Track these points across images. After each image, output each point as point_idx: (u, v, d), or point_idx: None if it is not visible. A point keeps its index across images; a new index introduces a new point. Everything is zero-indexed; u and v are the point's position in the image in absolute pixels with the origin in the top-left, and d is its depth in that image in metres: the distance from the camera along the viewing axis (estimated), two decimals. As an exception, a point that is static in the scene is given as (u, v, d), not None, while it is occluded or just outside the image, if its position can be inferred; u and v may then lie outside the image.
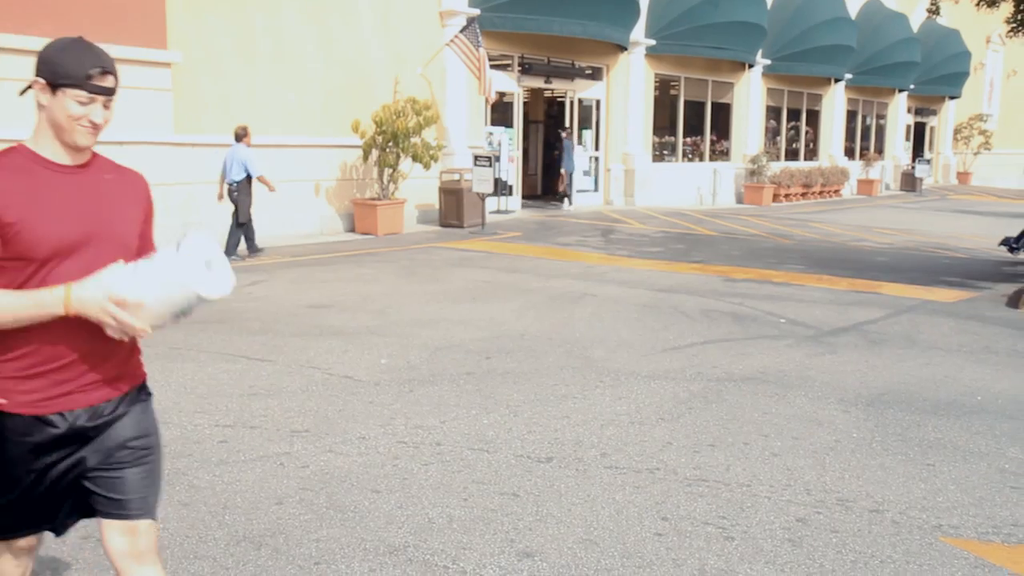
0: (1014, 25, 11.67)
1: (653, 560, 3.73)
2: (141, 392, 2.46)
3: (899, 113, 34.32)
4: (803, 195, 26.97)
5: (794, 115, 29.01)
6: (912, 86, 32.60)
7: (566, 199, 20.35)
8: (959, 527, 4.15)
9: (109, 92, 2.27)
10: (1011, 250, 13.56)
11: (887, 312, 9.35)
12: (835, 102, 29.95)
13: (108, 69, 2.26)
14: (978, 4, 12.23)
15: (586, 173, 21.44)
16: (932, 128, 37.80)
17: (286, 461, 4.72)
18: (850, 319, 8.91)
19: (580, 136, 21.22)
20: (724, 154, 25.64)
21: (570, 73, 20.54)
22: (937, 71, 33.30)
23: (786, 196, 26.00)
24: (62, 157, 2.27)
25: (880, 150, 33.53)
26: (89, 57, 2.23)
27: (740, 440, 5.23)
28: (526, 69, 19.42)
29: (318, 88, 14.96)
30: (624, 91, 21.67)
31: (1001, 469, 4.90)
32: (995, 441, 5.36)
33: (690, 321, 8.59)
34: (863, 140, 33.01)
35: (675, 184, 23.25)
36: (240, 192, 12.07)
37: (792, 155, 28.98)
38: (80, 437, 2.31)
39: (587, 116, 21.54)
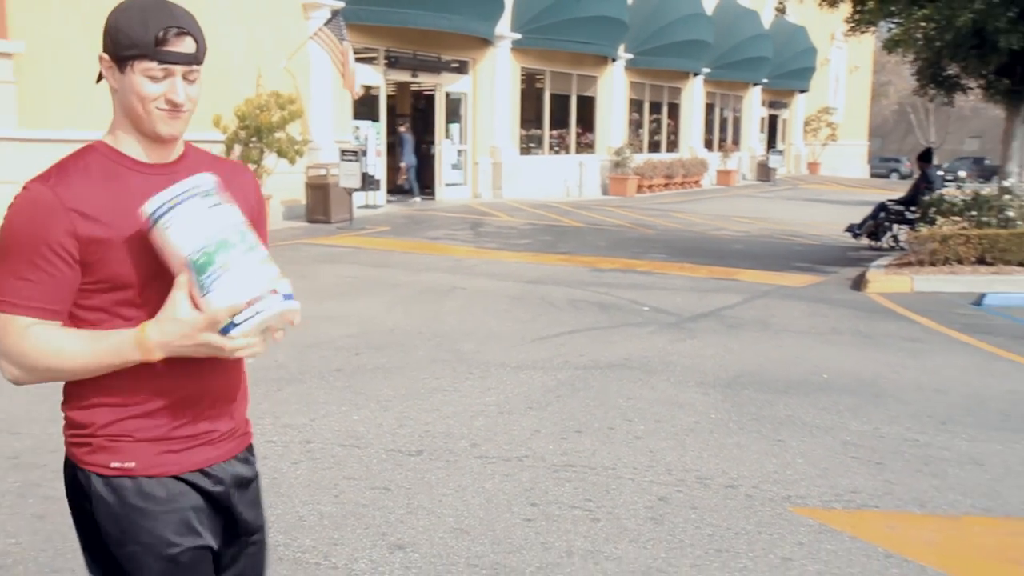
0: (852, 24, 12.38)
1: (522, 545, 3.84)
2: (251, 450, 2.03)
3: (754, 106, 35.76)
4: (665, 186, 27.78)
5: (656, 108, 29.84)
6: (765, 80, 34.00)
7: (415, 192, 20.28)
8: (806, 497, 4.43)
9: (190, 60, 1.73)
10: (855, 236, 14.40)
11: (744, 297, 9.79)
12: (694, 95, 30.95)
13: (185, 28, 1.71)
14: (820, 3, 12.90)
15: (455, 167, 21.51)
16: (784, 120, 39.54)
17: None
18: (709, 305, 9.29)
19: (447, 130, 21.27)
20: (590, 146, 26.15)
21: (436, 67, 20.55)
22: (787, 66, 34.85)
23: (649, 187, 26.73)
24: (148, 154, 1.79)
25: (737, 142, 34.87)
26: (157, 15, 1.69)
27: (606, 425, 5.41)
28: (392, 63, 19.33)
29: (175, 82, 14.47)
30: (491, 85, 21.83)
31: (844, 441, 5.24)
32: (839, 416, 5.71)
33: (558, 311, 8.78)
34: (721, 132, 34.25)
35: (542, 177, 23.58)
36: None
37: (655, 147, 29.81)
38: (214, 500, 1.87)
39: (455, 110, 21.60)
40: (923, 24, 11.09)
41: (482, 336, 7.66)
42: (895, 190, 20.59)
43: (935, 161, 14.92)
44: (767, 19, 33.64)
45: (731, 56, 30.65)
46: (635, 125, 28.62)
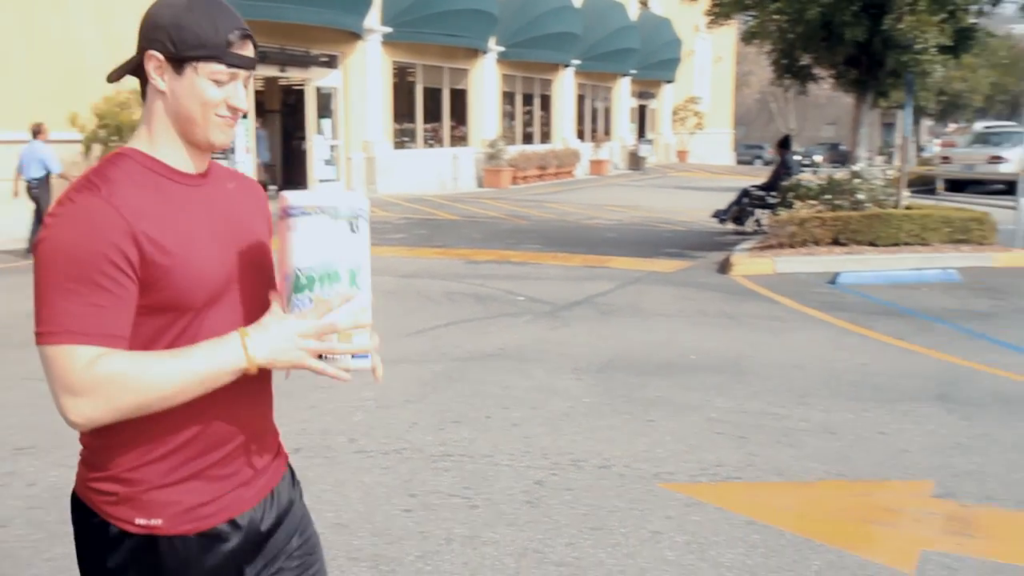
0: (712, 17, 12.85)
1: (402, 535, 3.90)
2: (289, 469, 1.90)
3: (623, 97, 36.56)
4: (540, 177, 28.14)
5: (528, 100, 30.17)
6: (633, 71, 34.81)
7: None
8: (674, 473, 4.63)
9: (253, 64, 1.64)
10: (721, 221, 14.95)
11: (616, 284, 10.06)
12: (565, 87, 31.43)
13: (248, 32, 1.61)
14: (682, -3, 13.36)
15: (328, 162, 21.25)
16: (653, 110, 40.56)
17: (10, 481, 4.46)
18: (583, 293, 9.51)
19: (319, 125, 20.99)
20: (463, 139, 26.25)
21: (305, 61, 20.25)
22: (654, 57, 35.77)
23: (524, 178, 27.02)
24: (186, 163, 1.63)
25: (608, 132, 35.59)
26: (225, 16, 1.58)
27: (482, 414, 5.51)
28: (260, 57, 18.89)
29: (24, 79, 13.85)
30: (362, 79, 21.65)
31: (709, 418, 5.48)
32: (705, 394, 5.97)
33: (434, 305, 8.84)
34: (592, 123, 34.90)
35: (417, 171, 23.54)
36: (40, 189, 11.95)
37: (528, 139, 30.14)
38: (254, 545, 1.71)
39: (326, 104, 21.33)
40: (776, 17, 11.61)
41: (359, 332, 7.65)
42: (758, 176, 21.43)
43: (793, 147, 15.61)
44: (633, 11, 34.43)
45: (600, 48, 31.25)
46: (508, 117, 28.87)
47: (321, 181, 20.83)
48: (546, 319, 8.25)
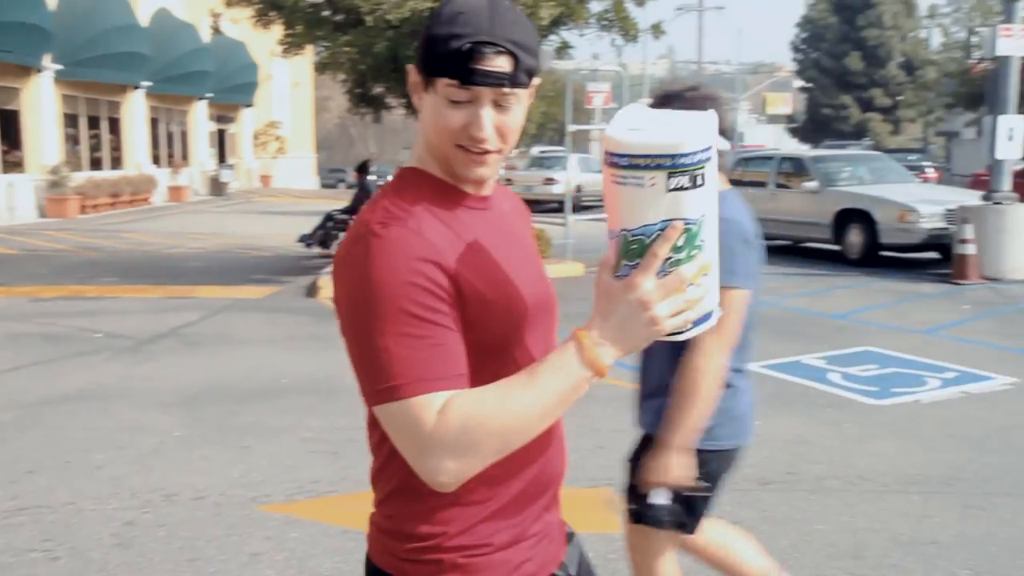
0: (285, 46, 13.04)
1: (-26, 600, 3.59)
2: None
3: (200, 121, 35.44)
4: (112, 205, 26.39)
5: (94, 123, 28.14)
6: (210, 95, 33.89)
7: None
8: (271, 495, 4.73)
9: (501, 82, 1.32)
10: (307, 245, 15.16)
11: (203, 314, 9.85)
12: (135, 110, 29.78)
13: (502, 45, 1.31)
14: (255, 24, 13.35)
15: None
16: (233, 135, 39.79)
17: None
18: (167, 325, 9.19)
19: None
20: (19, 165, 23.82)
21: None
22: (231, 80, 35.14)
23: (94, 207, 25.17)
24: (467, 186, 1.44)
25: (186, 157, 34.28)
26: (471, 24, 1.31)
27: (62, 461, 5.18)
28: None
29: None
30: None
31: (304, 439, 5.65)
32: (298, 416, 6.13)
33: (-4, 349, 8.05)
34: (169, 147, 33.40)
35: (-36, 201, 20.98)
36: None
37: (96, 164, 28.10)
38: None
39: None
40: (347, 49, 12.07)
41: (-97, 386, 6.76)
42: (342, 199, 21.97)
43: (372, 171, 16.26)
44: (205, 34, 33.58)
45: (172, 70, 30.05)
46: (72, 141, 26.71)
47: None
48: (128, 355, 7.87)
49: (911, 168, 22.64)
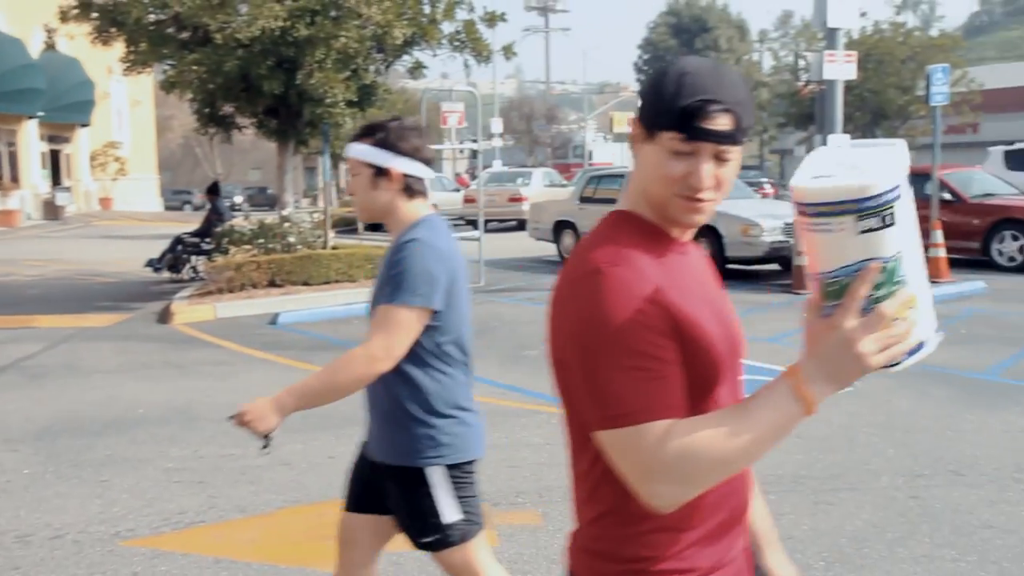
0: (128, 64, 12.57)
1: None
2: None
3: (31, 141, 33.61)
4: (-64, 231, 24.69)
5: (-88, 144, 26.27)
6: (41, 113, 32.17)
7: None
8: (135, 529, 4.56)
9: (723, 139, 1.42)
10: (156, 270, 14.63)
11: (45, 345, 9.36)
12: (-41, 130, 27.99)
13: (727, 105, 1.41)
14: (93, 41, 12.82)
15: None
16: (68, 155, 37.91)
17: None
18: (7, 357, 8.70)
19: None
20: None
21: None
22: (65, 99, 33.49)
23: (-85, 234, 23.49)
24: (673, 230, 1.53)
25: (16, 179, 32.41)
26: (698, 85, 1.40)
27: (-102, 506, 4.84)
28: None
29: None
30: None
31: (166, 469, 5.47)
32: (159, 446, 5.93)
33: None
34: (-3, 169, 31.52)
35: None
36: None
37: (-84, 188, 26.23)
38: None
39: None
40: (195, 68, 11.77)
41: None
42: (190, 222, 21.26)
43: (223, 192, 15.86)
44: (35, 49, 31.91)
45: (-1, 87, 28.42)
46: None
47: None
48: (-35, 390, 7.41)
49: (750, 184, 23.86)
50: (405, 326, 2.51)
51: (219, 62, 11.62)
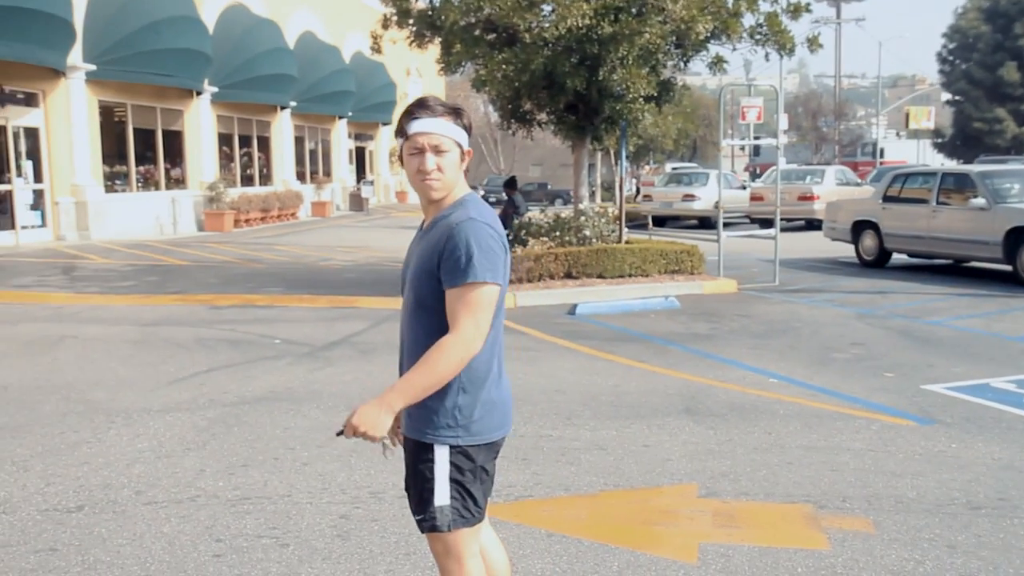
0: (443, 65, 13.40)
1: (219, 581, 3.82)
2: None
3: (341, 138, 36.68)
4: (263, 219, 27.56)
5: (246, 141, 29.50)
6: (350, 113, 35.06)
7: None
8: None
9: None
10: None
11: (369, 323, 10.18)
12: (283, 128, 31.06)
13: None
14: (410, 45, 13.79)
15: (32, 207, 19.62)
16: (371, 152, 40.99)
17: None
18: (338, 333, 9.55)
19: (19, 168, 19.35)
20: (181, 182, 25.18)
21: (1, 99, 18.64)
22: (369, 100, 36.25)
23: (247, 221, 26.36)
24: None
25: (328, 173, 35.51)
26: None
27: (270, 456, 5.46)
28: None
29: None
30: (66, 118, 20.24)
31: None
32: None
33: (188, 352, 8.52)
34: (312, 164, 34.68)
35: (132, 215, 22.30)
36: None
37: (248, 180, 29.43)
38: None
39: (28, 145, 19.71)
40: (504, 67, 12.31)
41: (113, 384, 7.24)
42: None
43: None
44: (348, 54, 34.76)
45: (316, 90, 31.23)
46: (226, 159, 28.07)
47: (24, 228, 19.19)
48: (308, 360, 8.22)
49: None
50: (486, 302, 2.53)
51: (526, 60, 12.07)
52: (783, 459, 5.45)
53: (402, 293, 2.77)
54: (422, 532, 2.70)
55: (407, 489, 2.75)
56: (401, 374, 2.73)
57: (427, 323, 2.61)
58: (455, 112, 2.64)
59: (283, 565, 3.97)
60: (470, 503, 2.66)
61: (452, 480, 2.62)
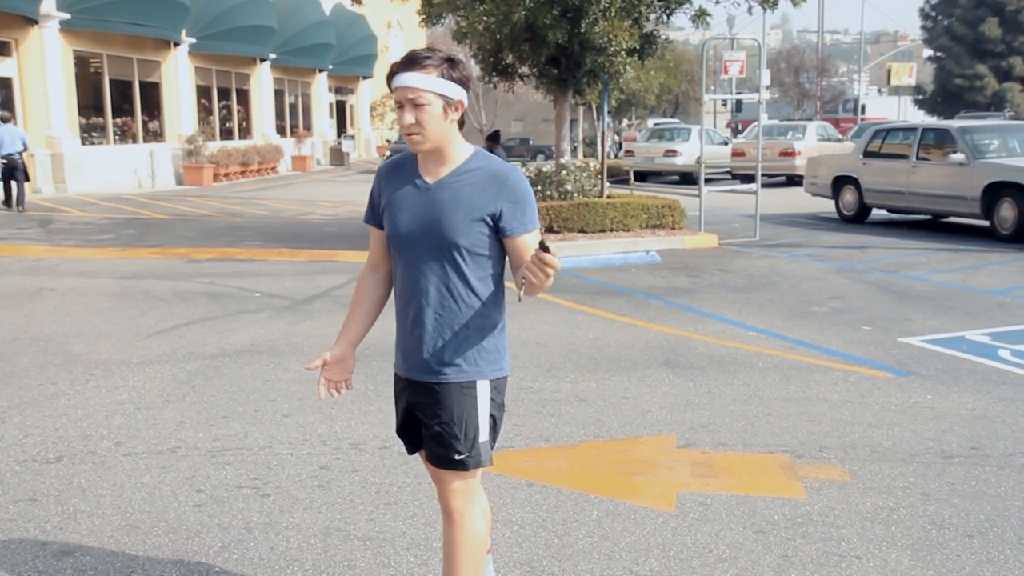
0: (423, 17, 13.24)
1: (199, 529, 3.84)
2: None
3: (322, 92, 36.29)
4: (242, 173, 27.32)
5: (225, 94, 29.13)
6: (330, 66, 34.66)
7: None
8: (453, 447, 4.87)
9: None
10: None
11: (349, 277, 10.15)
12: (262, 81, 30.68)
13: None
14: (392, -5, 13.63)
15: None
16: (352, 106, 40.61)
17: None
18: (319, 287, 9.51)
19: (-7, 118, 19.04)
20: (159, 135, 24.89)
21: (-27, 47, 18.31)
22: (350, 53, 35.84)
23: (226, 175, 26.12)
24: None
25: (308, 127, 35.19)
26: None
27: (251, 408, 5.46)
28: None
29: None
30: (40, 69, 19.90)
31: (473, 395, 5.78)
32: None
33: (167, 305, 8.48)
34: (292, 118, 34.34)
35: (110, 168, 22.05)
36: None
37: (227, 134, 29.12)
38: None
39: (5, 96, 19.37)
40: (485, 18, 12.17)
41: (91, 336, 7.20)
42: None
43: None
44: (328, 6, 34.25)
45: (296, 42, 30.83)
46: (205, 112, 27.73)
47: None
48: (289, 313, 8.19)
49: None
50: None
51: (507, 12, 11.94)
52: (761, 410, 5.50)
53: (397, 250, 2.74)
54: (459, 470, 2.72)
55: (400, 434, 2.91)
56: (412, 324, 2.77)
57: (475, 268, 2.64)
58: (448, 62, 2.56)
59: (264, 515, 3.99)
60: (496, 437, 2.79)
61: (491, 415, 2.73)
